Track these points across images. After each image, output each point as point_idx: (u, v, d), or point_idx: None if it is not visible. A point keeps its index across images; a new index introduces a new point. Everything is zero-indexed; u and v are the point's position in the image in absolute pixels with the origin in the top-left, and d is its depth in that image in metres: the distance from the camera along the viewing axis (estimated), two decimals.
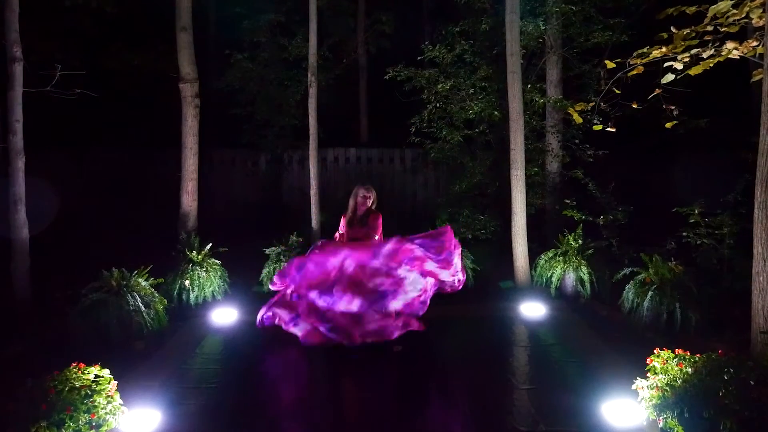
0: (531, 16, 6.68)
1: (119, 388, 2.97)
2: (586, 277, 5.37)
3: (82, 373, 2.89)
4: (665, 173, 7.54)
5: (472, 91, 6.96)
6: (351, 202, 4.59)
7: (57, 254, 6.02)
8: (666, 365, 2.95)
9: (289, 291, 4.27)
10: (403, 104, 7.54)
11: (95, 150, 8.83)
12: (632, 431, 2.91)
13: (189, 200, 6.27)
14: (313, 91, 6.44)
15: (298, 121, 8.72)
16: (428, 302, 4.31)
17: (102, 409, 2.75)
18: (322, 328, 4.09)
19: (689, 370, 2.84)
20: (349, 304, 4.03)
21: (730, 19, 3.43)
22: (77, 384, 2.79)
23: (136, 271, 4.72)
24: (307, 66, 6.73)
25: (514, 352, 4.27)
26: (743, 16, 3.39)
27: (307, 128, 6.56)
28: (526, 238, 5.82)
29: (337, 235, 4.66)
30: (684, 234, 5.17)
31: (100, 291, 4.42)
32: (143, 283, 4.65)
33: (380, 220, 4.55)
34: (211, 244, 5.68)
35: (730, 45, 3.50)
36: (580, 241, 5.63)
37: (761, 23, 3.37)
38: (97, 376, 2.91)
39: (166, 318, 4.68)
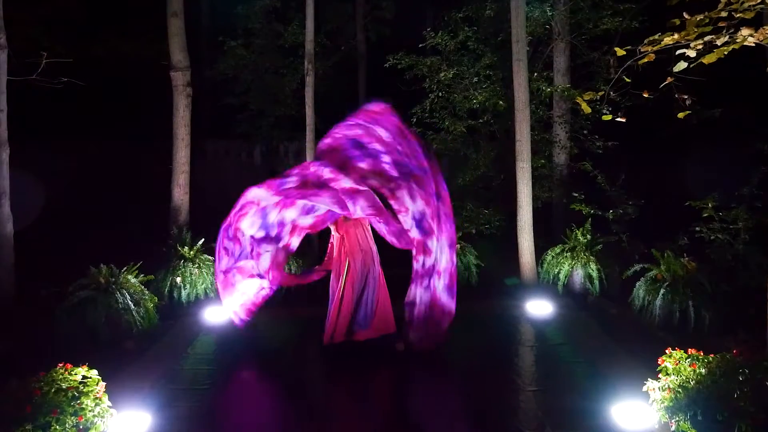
0: (537, 2, 6.58)
1: (108, 390, 2.90)
2: (594, 274, 5.29)
3: (69, 373, 2.84)
4: (677, 165, 7.45)
5: (476, 79, 6.86)
6: None
7: (43, 250, 5.93)
8: (678, 366, 2.90)
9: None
10: (403, 93, 7.42)
11: (82, 142, 8.70)
12: None
13: (180, 193, 6.17)
14: (309, 80, 6.31)
15: (294, 111, 8.59)
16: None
17: (90, 411, 2.69)
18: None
19: (703, 370, 2.80)
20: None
21: (746, 5, 3.28)
22: (64, 385, 2.73)
23: (125, 268, 4.65)
24: (303, 54, 6.59)
25: (519, 352, 4.20)
26: (759, 1, 3.22)
27: (304, 118, 6.45)
28: (533, 233, 5.71)
29: None
30: (697, 229, 5.07)
31: (88, 288, 4.33)
32: (133, 280, 4.58)
33: None
34: (203, 240, 5.58)
35: (745, 32, 3.34)
36: (588, 237, 5.55)
37: None
38: (84, 377, 2.86)
39: (156, 316, 4.61)
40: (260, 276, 4.00)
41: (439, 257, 3.82)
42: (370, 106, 3.97)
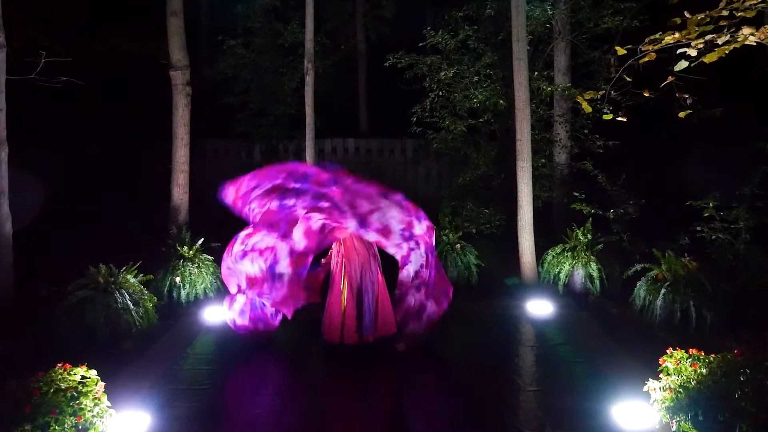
0: (538, 0, 6.53)
1: (107, 390, 2.90)
2: (595, 274, 5.28)
3: (68, 373, 2.84)
4: (678, 165, 7.43)
5: (476, 78, 6.83)
6: None
7: (42, 250, 5.91)
8: (679, 366, 2.91)
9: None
10: (404, 93, 7.39)
11: (82, 141, 8.65)
12: None
13: (180, 193, 6.15)
14: (309, 79, 6.29)
15: (294, 110, 8.55)
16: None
17: (89, 411, 2.69)
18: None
19: (704, 371, 2.81)
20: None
21: (747, 4, 3.27)
22: (63, 385, 2.73)
23: (124, 268, 4.63)
24: (303, 53, 6.56)
25: (520, 352, 4.20)
26: (759, 0, 3.19)
27: (304, 118, 6.42)
28: (533, 233, 5.70)
29: None
30: (698, 228, 5.06)
31: (87, 288, 4.31)
32: (132, 280, 4.56)
33: None
34: (202, 239, 5.57)
35: (746, 31, 3.34)
36: (589, 236, 5.53)
37: None
38: (83, 377, 2.87)
39: (155, 316, 4.60)
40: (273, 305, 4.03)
41: (392, 221, 3.78)
42: (226, 200, 4.12)
